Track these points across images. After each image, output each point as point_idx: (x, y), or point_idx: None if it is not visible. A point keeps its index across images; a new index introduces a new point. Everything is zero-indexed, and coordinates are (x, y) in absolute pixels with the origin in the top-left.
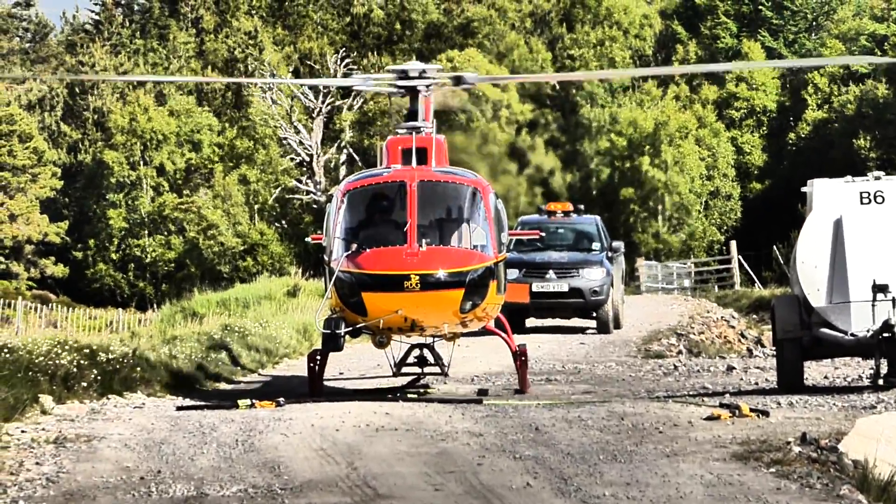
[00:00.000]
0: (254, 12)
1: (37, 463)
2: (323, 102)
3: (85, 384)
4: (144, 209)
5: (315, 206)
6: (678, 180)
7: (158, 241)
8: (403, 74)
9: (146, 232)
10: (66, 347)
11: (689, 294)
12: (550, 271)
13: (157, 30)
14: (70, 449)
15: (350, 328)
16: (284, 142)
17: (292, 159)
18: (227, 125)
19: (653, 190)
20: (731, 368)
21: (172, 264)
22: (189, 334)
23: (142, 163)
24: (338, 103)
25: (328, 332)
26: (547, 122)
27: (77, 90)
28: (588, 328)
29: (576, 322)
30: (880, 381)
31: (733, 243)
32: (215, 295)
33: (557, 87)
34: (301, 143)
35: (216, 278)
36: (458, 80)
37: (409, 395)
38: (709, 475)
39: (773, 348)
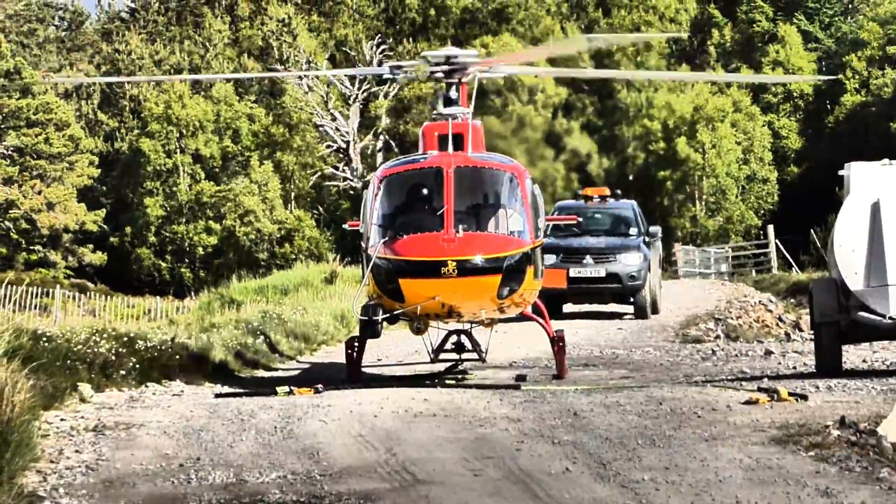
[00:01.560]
0: (288, 0)
1: (76, 451)
2: (359, 89)
3: (123, 372)
4: (182, 197)
5: (352, 192)
6: (716, 161)
7: (196, 227)
8: (438, 60)
9: (184, 219)
10: (105, 335)
11: (727, 279)
12: (588, 256)
13: (193, 17)
14: (109, 437)
15: (388, 315)
16: (321, 129)
17: (329, 146)
18: (263, 112)
19: (690, 172)
20: (769, 353)
21: (210, 248)
22: (227, 322)
23: (178, 151)
24: (374, 90)
25: (366, 318)
26: (583, 106)
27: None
28: (626, 313)
29: (613, 307)
30: None
31: (770, 227)
32: (253, 282)
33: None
34: (337, 129)
35: (254, 265)
36: (490, 70)
37: (447, 381)
38: (747, 459)
39: (811, 332)
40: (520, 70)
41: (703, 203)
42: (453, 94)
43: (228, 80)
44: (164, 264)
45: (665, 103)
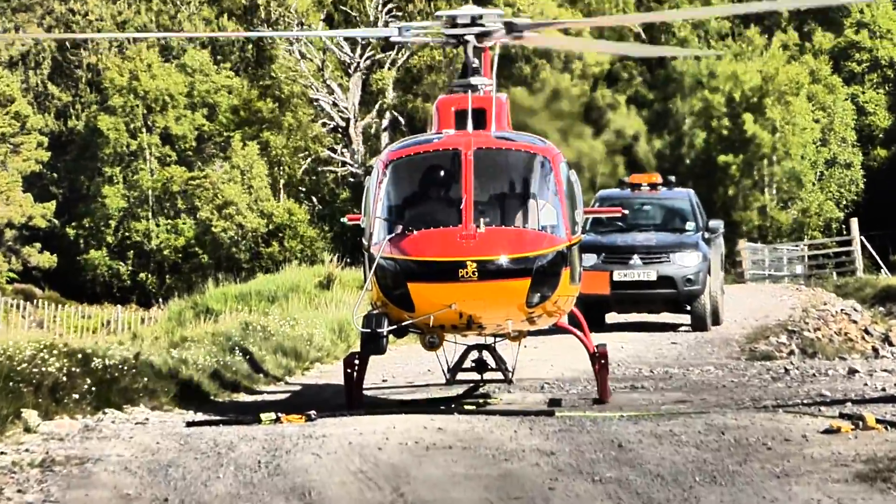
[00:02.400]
0: None
1: (19, 490)
2: (361, 56)
3: (77, 396)
4: (147, 185)
5: (352, 179)
6: (789, 142)
7: (165, 223)
8: (457, 21)
9: (150, 213)
10: (55, 352)
11: (803, 282)
12: (635, 256)
13: None
14: (59, 473)
15: (394, 326)
16: (315, 104)
17: (325, 125)
18: (246, 84)
19: (758, 156)
20: (853, 372)
21: (181, 252)
22: (202, 335)
23: (144, 130)
24: (378, 57)
25: (368, 331)
26: (630, 76)
27: (67, 44)
28: (681, 324)
29: (666, 317)
30: None
31: (854, 221)
32: (233, 287)
33: (642, 33)
34: (335, 104)
35: (234, 267)
36: (511, 28)
37: (465, 407)
38: (827, 499)
39: None
40: (553, 43)
41: (774, 192)
42: (474, 61)
43: (205, 45)
44: (125, 267)
45: (730, 73)
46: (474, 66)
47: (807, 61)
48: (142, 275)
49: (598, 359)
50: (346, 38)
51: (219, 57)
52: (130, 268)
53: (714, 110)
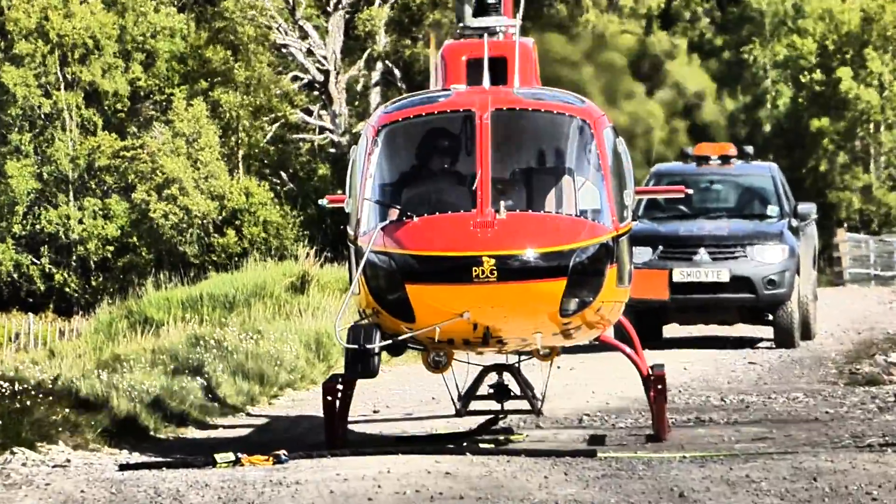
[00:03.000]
0: None
1: None
2: None
3: None
4: (66, 158)
5: (333, 150)
6: None
7: (91, 204)
8: None
9: (69, 195)
10: None
11: None
12: (702, 250)
13: None
14: None
15: (389, 341)
16: (284, 52)
17: (296, 79)
18: (191, 26)
19: (860, 120)
20: None
21: (112, 245)
22: (139, 353)
23: (62, 86)
24: None
25: (355, 347)
26: (693, 16)
27: None
28: (761, 339)
29: (741, 330)
30: None
31: None
32: (178, 291)
33: None
34: (310, 53)
35: (179, 264)
36: None
37: (481, 445)
38: None
39: None
40: None
41: (882, 167)
42: None
43: None
44: (36, 265)
45: (824, 11)
46: (491, 1)
47: None
48: (60, 274)
49: (654, 383)
50: None
51: None
52: (45, 266)
53: (804, 60)
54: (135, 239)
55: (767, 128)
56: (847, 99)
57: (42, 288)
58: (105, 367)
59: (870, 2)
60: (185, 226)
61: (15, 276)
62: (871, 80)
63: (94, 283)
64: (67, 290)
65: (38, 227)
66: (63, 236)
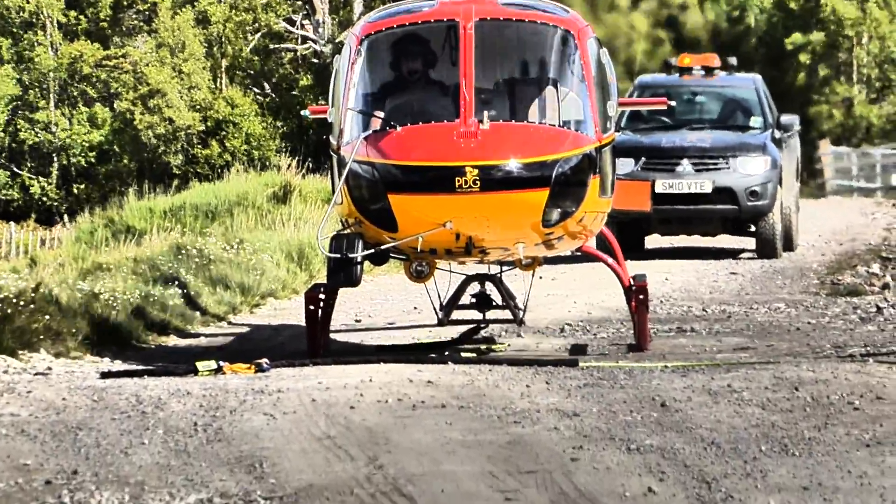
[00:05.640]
0: None
1: None
2: None
3: None
4: (47, 65)
5: (316, 60)
6: (879, 16)
7: (72, 115)
8: None
9: (51, 102)
10: None
11: None
12: (684, 161)
13: None
14: None
15: (372, 250)
16: None
17: None
18: None
19: (842, 33)
20: None
21: (93, 152)
22: (120, 262)
23: None
24: None
25: (337, 256)
26: None
27: None
28: (743, 250)
29: (724, 241)
30: None
31: None
32: (161, 200)
33: None
34: None
35: (163, 174)
36: None
37: (463, 354)
38: None
39: None
40: None
41: (863, 81)
42: None
43: None
44: (20, 173)
45: None
46: None
47: None
48: (39, 183)
49: (636, 294)
50: None
51: None
52: (26, 174)
53: None
54: (117, 148)
55: (752, 40)
56: (826, 14)
57: (23, 196)
58: (86, 275)
59: None
60: (168, 136)
61: None
62: None
63: (75, 192)
64: (48, 198)
65: (18, 135)
66: (44, 145)
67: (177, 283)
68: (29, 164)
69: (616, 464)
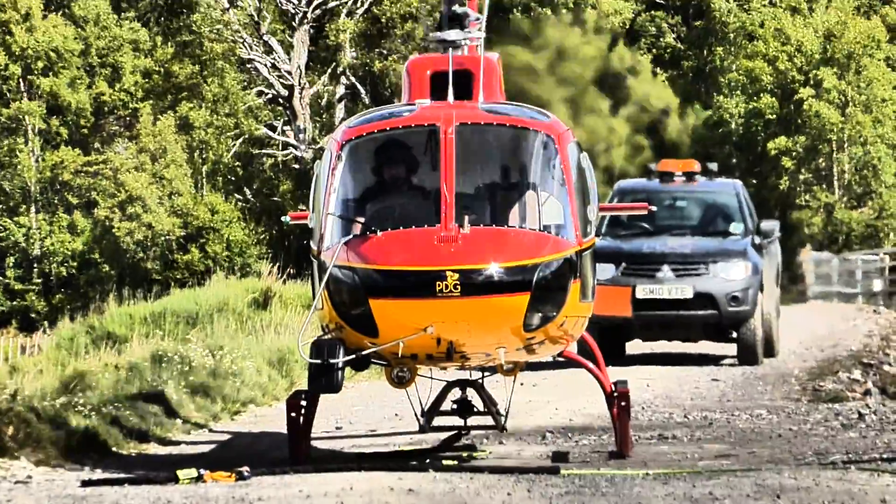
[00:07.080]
0: None
1: None
2: (309, 4)
3: None
4: (28, 173)
5: (297, 166)
6: (862, 120)
7: (57, 219)
8: None
9: (32, 209)
10: None
11: (881, 302)
12: (665, 267)
13: None
14: None
15: (353, 356)
16: (249, 66)
17: (262, 94)
18: (158, 40)
19: (822, 139)
20: None
21: (74, 256)
22: (100, 369)
23: (24, 97)
24: (331, 5)
25: (318, 362)
26: (659, 31)
27: None
28: (724, 356)
29: (705, 347)
30: None
31: None
32: (141, 307)
33: None
34: (274, 67)
35: (143, 281)
36: None
37: (444, 462)
38: None
39: None
40: None
41: (843, 186)
42: (457, 7)
43: None
44: (7, 280)
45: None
46: (458, 14)
47: (884, 14)
48: (22, 289)
49: (617, 400)
50: None
51: (122, 3)
52: (7, 281)
53: (765, 76)
54: (97, 255)
55: (732, 145)
56: (808, 117)
57: (4, 303)
58: (67, 383)
59: (830, 21)
60: (147, 243)
61: None
62: (834, 97)
63: (56, 300)
64: (29, 305)
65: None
66: (26, 250)
67: (157, 390)
68: (11, 271)
69: None
